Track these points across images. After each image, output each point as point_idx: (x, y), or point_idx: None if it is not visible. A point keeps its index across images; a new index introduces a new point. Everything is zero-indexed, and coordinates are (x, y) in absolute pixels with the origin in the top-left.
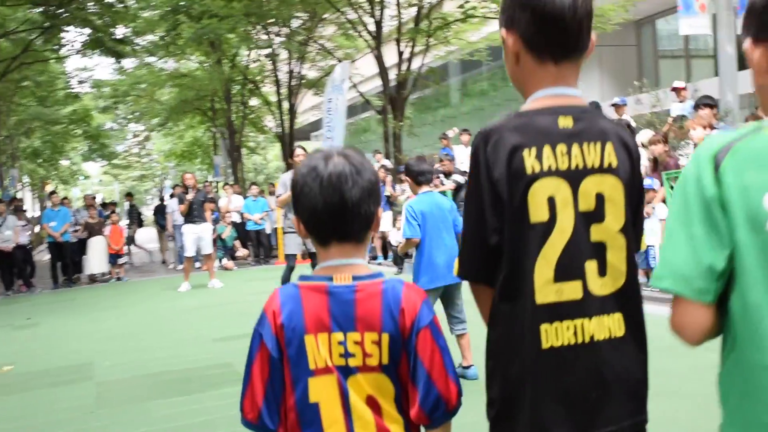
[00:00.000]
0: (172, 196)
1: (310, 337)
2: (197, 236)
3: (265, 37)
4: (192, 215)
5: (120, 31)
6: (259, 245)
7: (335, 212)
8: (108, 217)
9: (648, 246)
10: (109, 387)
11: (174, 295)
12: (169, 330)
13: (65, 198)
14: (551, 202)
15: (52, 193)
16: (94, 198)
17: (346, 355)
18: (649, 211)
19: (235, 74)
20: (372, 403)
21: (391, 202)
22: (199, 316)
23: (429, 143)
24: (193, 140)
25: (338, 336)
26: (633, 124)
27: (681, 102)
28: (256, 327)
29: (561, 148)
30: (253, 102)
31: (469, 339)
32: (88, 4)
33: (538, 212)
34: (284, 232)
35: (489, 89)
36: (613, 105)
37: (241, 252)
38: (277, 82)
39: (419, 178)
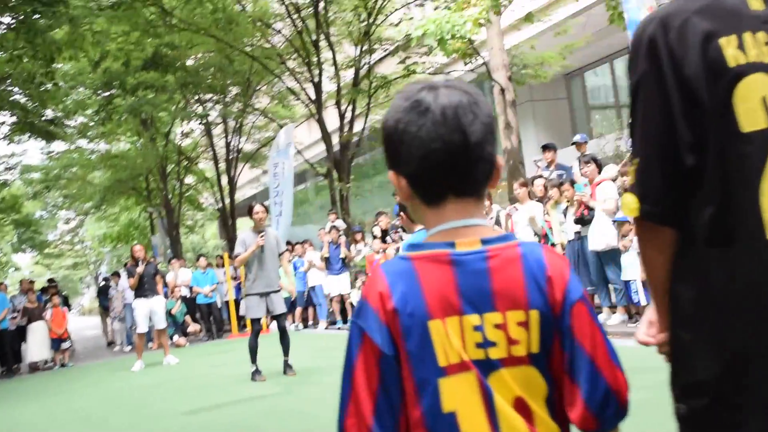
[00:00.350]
0: (113, 274)
1: (436, 323)
2: (149, 310)
3: (200, 109)
4: (143, 288)
5: (50, 113)
6: (211, 319)
7: (455, 154)
8: (48, 301)
9: (629, 281)
10: None
11: (128, 374)
12: (134, 408)
13: (1, 283)
14: (765, 103)
15: None
16: (32, 282)
17: (486, 344)
18: (626, 245)
19: (170, 151)
20: (521, 406)
21: (346, 264)
22: (162, 391)
23: (379, 205)
24: (128, 222)
25: (473, 319)
26: (598, 158)
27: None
28: (353, 320)
29: (762, 36)
30: (189, 179)
31: None
32: (15, 88)
33: (751, 118)
34: (246, 295)
35: None
36: (574, 143)
37: (193, 327)
38: (214, 156)
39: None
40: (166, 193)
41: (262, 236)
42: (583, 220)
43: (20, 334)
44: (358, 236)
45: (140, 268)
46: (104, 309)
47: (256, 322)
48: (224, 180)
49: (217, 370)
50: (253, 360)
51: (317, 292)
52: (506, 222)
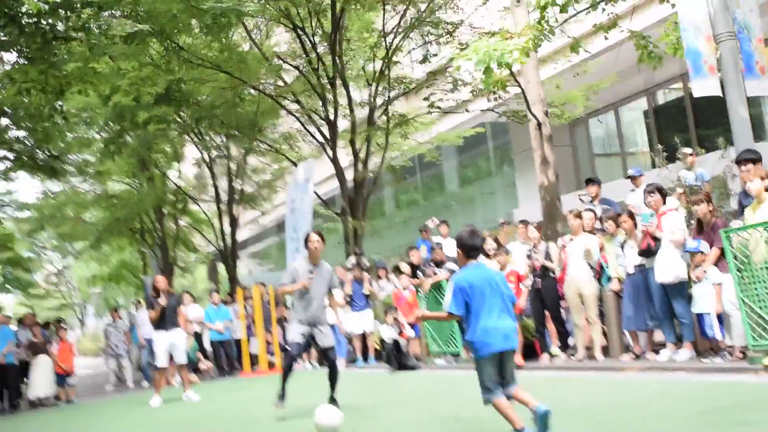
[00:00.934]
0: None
1: None
2: (170, 344)
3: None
4: (164, 321)
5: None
6: (223, 356)
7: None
8: (56, 333)
9: (702, 314)
10: None
11: (147, 410)
12: None
13: (8, 317)
14: None
15: None
16: (35, 315)
17: None
18: (699, 275)
19: (167, 192)
20: None
21: (369, 301)
22: (198, 427)
23: (392, 244)
24: (120, 262)
25: None
26: (663, 188)
27: (688, 169)
28: None
29: None
30: (183, 220)
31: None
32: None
33: None
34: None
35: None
36: (629, 177)
37: (204, 364)
38: (216, 195)
39: (471, 252)
40: (162, 234)
41: (311, 277)
42: (649, 252)
43: (22, 369)
44: (382, 273)
45: (162, 300)
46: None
47: (294, 346)
48: (224, 221)
49: (252, 405)
50: (283, 382)
51: (336, 330)
52: (559, 254)
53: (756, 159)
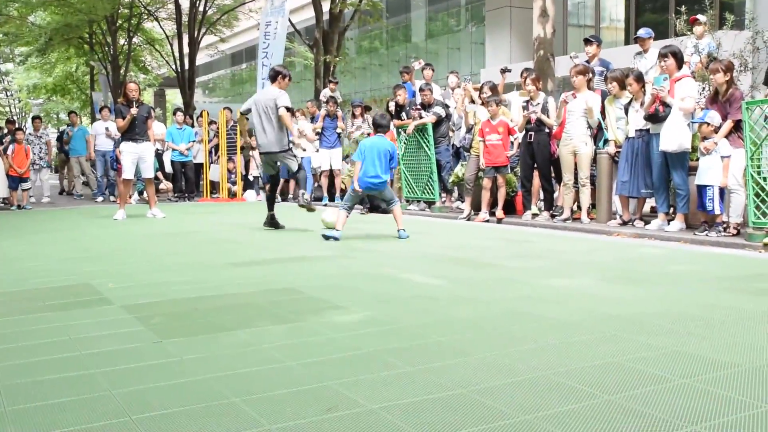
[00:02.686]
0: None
1: None
2: (138, 156)
3: None
4: (134, 132)
5: None
6: (182, 179)
7: None
8: (12, 135)
9: (705, 186)
10: (142, 311)
11: (113, 223)
12: (153, 253)
13: None
14: None
15: None
16: None
17: None
18: (709, 147)
19: (124, 3)
20: None
21: (341, 138)
22: (173, 242)
23: (366, 85)
24: (65, 74)
25: None
26: (679, 52)
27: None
28: None
29: None
30: (136, 39)
31: (399, 209)
32: None
33: None
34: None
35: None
36: (636, 38)
37: (165, 185)
38: (177, 10)
39: (378, 128)
40: (114, 49)
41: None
42: (657, 117)
43: None
44: (358, 111)
45: (134, 110)
46: (65, 155)
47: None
48: (183, 43)
49: (224, 228)
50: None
51: (304, 164)
52: (559, 109)
53: None
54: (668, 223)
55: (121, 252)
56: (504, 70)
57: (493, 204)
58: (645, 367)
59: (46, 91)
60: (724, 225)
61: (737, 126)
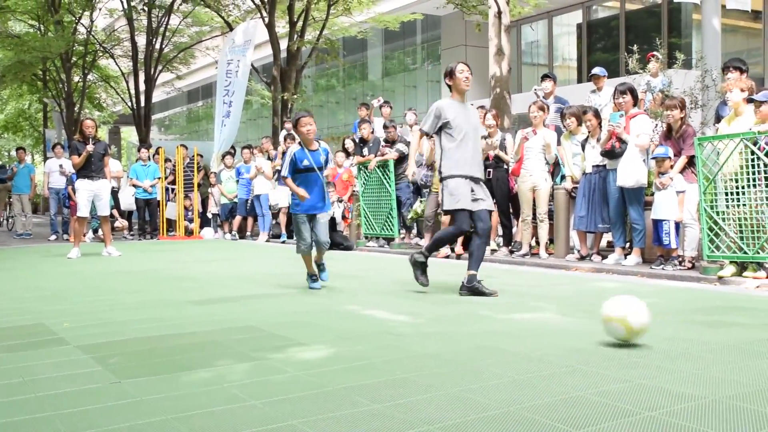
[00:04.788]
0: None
1: None
2: (93, 193)
3: None
4: (89, 169)
5: None
6: (148, 217)
7: None
8: None
9: (661, 220)
10: (100, 351)
11: (67, 261)
12: (110, 292)
13: None
14: None
15: None
16: None
17: None
18: (666, 182)
19: (78, 41)
20: None
21: None
22: (130, 280)
23: (324, 123)
24: (17, 111)
25: None
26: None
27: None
28: None
29: None
30: (91, 76)
31: None
32: None
33: None
34: (443, 178)
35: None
36: (592, 76)
37: (120, 223)
38: (134, 48)
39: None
40: (68, 86)
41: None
42: (613, 153)
43: None
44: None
45: (90, 147)
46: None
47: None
48: (139, 80)
49: (188, 266)
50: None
51: (262, 202)
52: (518, 146)
53: (743, 69)
54: (625, 258)
55: (76, 291)
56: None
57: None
58: (610, 400)
59: None
60: (680, 259)
61: (690, 161)
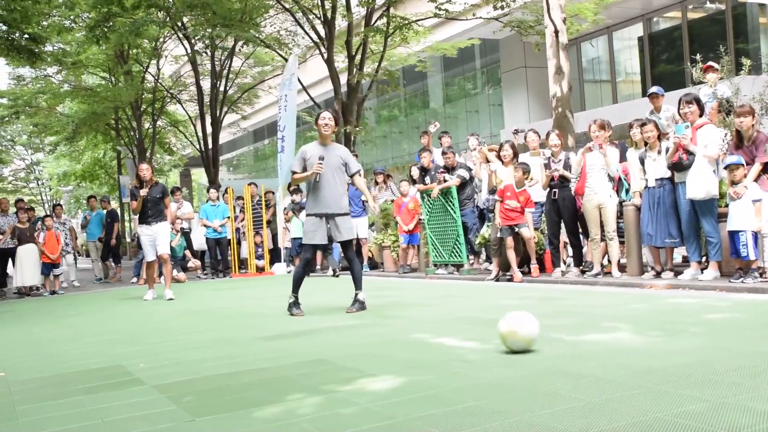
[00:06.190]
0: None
1: None
2: (152, 237)
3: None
4: (146, 214)
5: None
6: (219, 256)
7: None
8: (42, 222)
9: (737, 231)
10: (174, 390)
11: (142, 303)
12: (183, 331)
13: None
14: None
15: None
16: (23, 201)
17: None
18: (740, 191)
19: (147, 89)
20: None
21: (366, 207)
22: (202, 319)
23: (387, 154)
24: (94, 160)
25: None
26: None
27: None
28: None
29: None
30: (161, 121)
31: None
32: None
33: None
34: (307, 215)
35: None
36: (650, 94)
37: (193, 263)
38: (199, 93)
39: None
40: (139, 133)
41: (320, 163)
42: (681, 165)
43: (6, 257)
44: (380, 179)
45: (144, 191)
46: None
47: (308, 249)
48: (206, 122)
49: (251, 303)
50: (295, 290)
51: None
52: (579, 161)
53: None
54: (702, 272)
55: (151, 331)
56: (516, 132)
57: (523, 262)
58: (691, 421)
59: (75, 177)
60: (760, 270)
61: (765, 169)
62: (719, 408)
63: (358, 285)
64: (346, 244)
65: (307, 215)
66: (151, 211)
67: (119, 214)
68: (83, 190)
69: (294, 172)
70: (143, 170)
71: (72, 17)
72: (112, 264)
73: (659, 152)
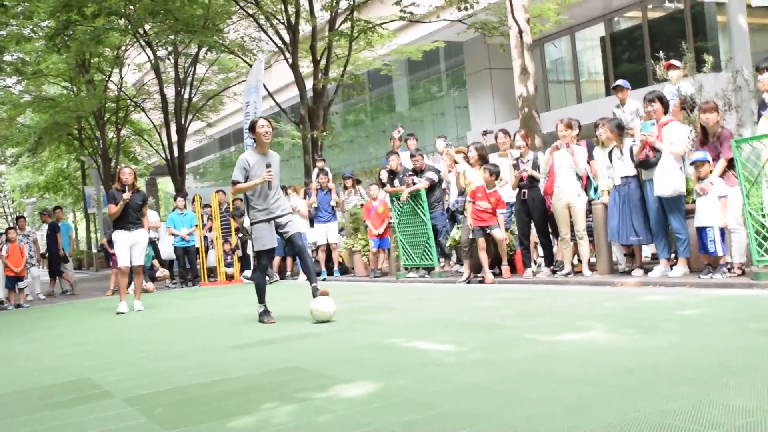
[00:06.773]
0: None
1: None
2: (131, 244)
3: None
4: (126, 220)
5: None
6: (188, 265)
7: None
8: (5, 235)
9: (705, 227)
10: (145, 402)
11: (112, 315)
12: (153, 342)
13: None
14: None
15: None
16: None
17: None
18: (705, 188)
19: (110, 98)
20: None
21: (336, 211)
22: (173, 329)
23: (353, 159)
24: (57, 171)
25: None
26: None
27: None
28: None
29: None
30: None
31: None
32: None
33: None
34: (252, 224)
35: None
36: (615, 87)
37: (161, 272)
38: (163, 101)
39: None
40: (103, 142)
41: (269, 171)
42: (648, 163)
43: None
44: (349, 182)
45: (127, 195)
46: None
47: (264, 255)
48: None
49: (230, 311)
50: (261, 300)
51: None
52: (547, 160)
53: None
54: (671, 269)
55: (120, 343)
56: (485, 133)
57: (494, 263)
58: (672, 420)
59: (39, 189)
60: (729, 266)
61: (730, 165)
62: (699, 405)
63: (311, 279)
64: (293, 240)
65: (256, 223)
66: (131, 217)
67: (71, 225)
68: (47, 202)
69: (236, 182)
70: (126, 174)
71: (31, 26)
72: (73, 276)
73: (621, 152)
